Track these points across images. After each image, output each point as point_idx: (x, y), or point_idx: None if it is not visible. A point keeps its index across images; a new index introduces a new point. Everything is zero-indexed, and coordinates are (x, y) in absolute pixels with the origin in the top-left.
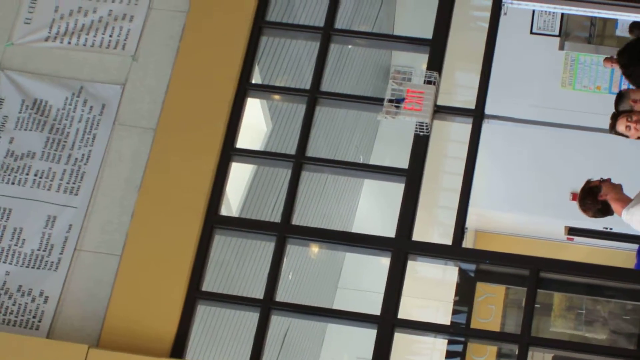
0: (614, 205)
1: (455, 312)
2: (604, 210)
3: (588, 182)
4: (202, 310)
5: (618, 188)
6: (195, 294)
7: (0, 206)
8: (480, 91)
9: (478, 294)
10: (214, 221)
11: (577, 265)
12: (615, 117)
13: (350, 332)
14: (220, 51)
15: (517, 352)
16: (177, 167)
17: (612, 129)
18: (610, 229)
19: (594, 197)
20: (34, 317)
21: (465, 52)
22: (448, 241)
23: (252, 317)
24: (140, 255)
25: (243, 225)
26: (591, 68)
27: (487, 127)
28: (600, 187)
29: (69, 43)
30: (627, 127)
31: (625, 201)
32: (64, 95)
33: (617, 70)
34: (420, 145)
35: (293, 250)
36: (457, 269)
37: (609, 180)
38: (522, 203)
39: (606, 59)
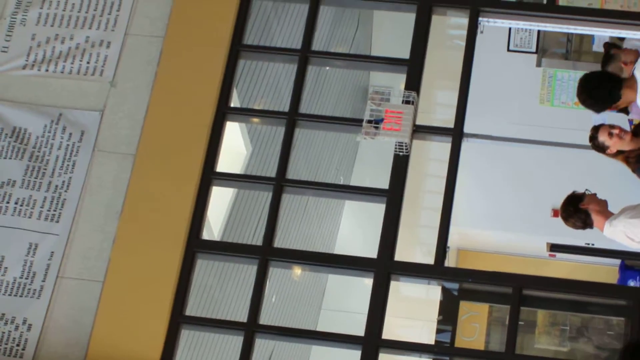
0: (595, 218)
1: (439, 331)
2: (584, 220)
3: (573, 192)
4: (186, 335)
5: (602, 202)
6: (178, 319)
7: None
8: (459, 110)
9: (462, 313)
10: (196, 245)
11: (559, 281)
12: (596, 129)
13: (336, 353)
14: (198, 75)
15: None
16: (157, 192)
17: (593, 139)
18: (592, 244)
19: (576, 205)
20: (17, 345)
21: (443, 71)
22: (430, 260)
23: (236, 341)
24: (122, 281)
25: (225, 249)
26: (569, 84)
27: (466, 145)
28: (583, 197)
29: (47, 70)
30: (610, 134)
31: (607, 216)
32: (43, 123)
33: None
34: (400, 165)
35: (276, 273)
36: (440, 288)
37: (595, 194)
38: (504, 220)
39: None
